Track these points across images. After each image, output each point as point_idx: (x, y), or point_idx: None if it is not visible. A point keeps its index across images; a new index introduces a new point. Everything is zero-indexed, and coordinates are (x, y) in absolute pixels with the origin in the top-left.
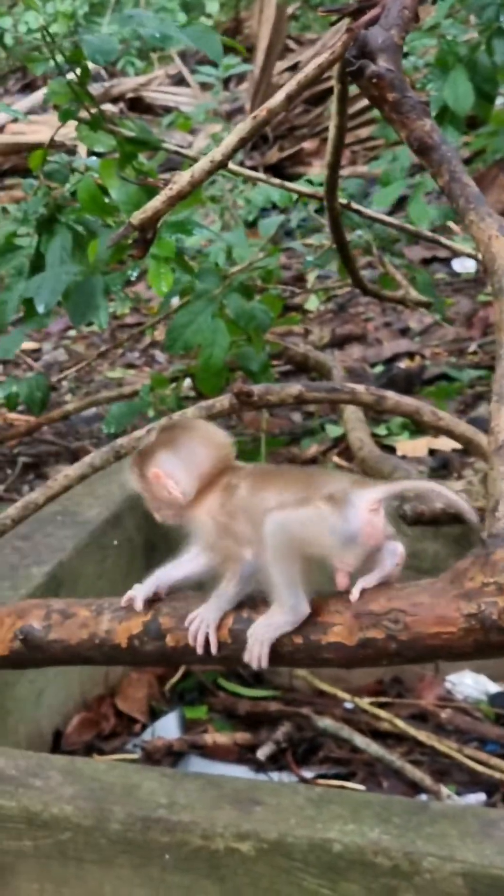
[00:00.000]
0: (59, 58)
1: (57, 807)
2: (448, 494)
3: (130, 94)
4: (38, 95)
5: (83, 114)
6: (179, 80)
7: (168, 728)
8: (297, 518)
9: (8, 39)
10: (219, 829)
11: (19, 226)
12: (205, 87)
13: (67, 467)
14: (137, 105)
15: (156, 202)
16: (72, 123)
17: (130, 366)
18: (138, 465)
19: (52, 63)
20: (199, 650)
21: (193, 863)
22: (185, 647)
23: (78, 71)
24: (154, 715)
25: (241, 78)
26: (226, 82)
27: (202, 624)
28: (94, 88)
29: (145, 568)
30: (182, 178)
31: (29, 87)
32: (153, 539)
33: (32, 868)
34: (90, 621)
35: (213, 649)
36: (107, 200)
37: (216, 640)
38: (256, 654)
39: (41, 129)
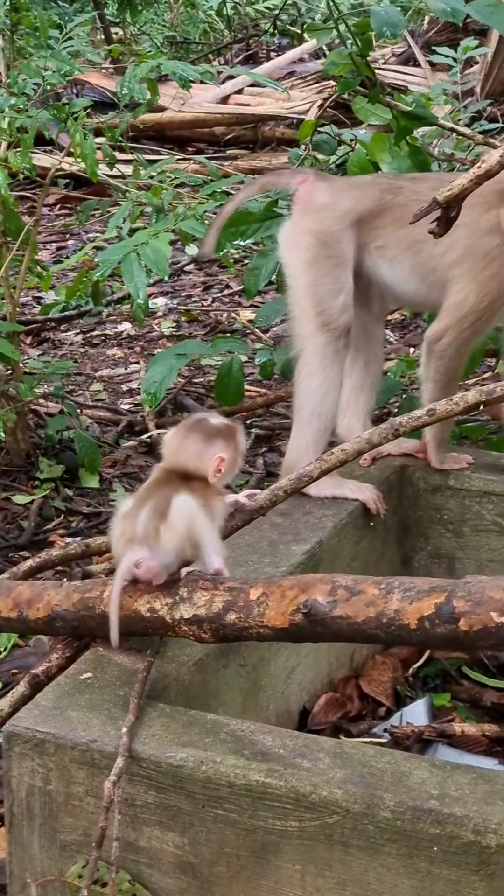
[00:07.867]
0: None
1: (326, 790)
2: None
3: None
4: (264, 67)
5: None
6: (406, 60)
7: (416, 715)
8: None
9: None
10: (492, 824)
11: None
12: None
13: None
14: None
15: (463, 180)
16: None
17: None
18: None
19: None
20: None
21: (462, 857)
22: (479, 632)
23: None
24: (398, 699)
25: (468, 60)
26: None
27: None
28: (318, 65)
29: (398, 551)
30: (491, 157)
31: (252, 60)
32: (407, 522)
33: (296, 849)
34: (378, 600)
35: None
36: None
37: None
38: None
39: (265, 102)
